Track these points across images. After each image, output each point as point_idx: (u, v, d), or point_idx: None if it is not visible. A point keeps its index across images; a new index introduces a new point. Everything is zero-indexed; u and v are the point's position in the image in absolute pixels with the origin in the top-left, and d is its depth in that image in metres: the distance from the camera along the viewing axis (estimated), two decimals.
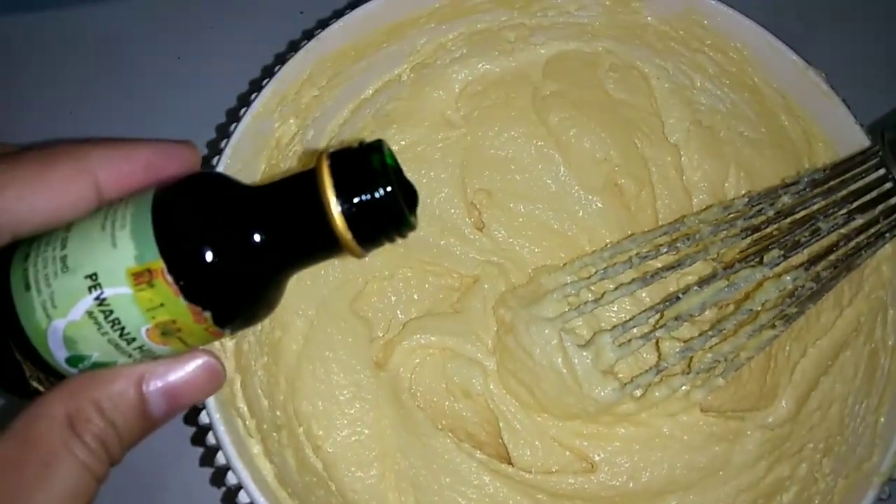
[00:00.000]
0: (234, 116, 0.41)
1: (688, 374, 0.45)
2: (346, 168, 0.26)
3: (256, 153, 0.42)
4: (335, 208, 0.25)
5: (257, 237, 0.26)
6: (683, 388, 0.45)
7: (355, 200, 0.26)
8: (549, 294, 0.48)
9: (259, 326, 0.44)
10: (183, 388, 0.28)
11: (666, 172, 0.53)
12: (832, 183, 0.42)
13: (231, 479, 0.35)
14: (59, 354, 0.27)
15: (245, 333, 0.42)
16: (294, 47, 0.43)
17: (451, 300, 0.54)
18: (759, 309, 0.42)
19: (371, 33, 0.45)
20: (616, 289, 0.45)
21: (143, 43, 0.62)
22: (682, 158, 0.52)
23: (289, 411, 0.44)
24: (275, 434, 0.41)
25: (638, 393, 0.46)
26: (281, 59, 0.43)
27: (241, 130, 0.40)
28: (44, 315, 0.26)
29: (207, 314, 0.26)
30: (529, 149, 0.55)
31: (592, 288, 0.49)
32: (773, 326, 0.43)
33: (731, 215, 0.44)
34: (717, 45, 0.46)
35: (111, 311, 0.26)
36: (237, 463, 0.34)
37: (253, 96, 0.41)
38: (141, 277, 0.25)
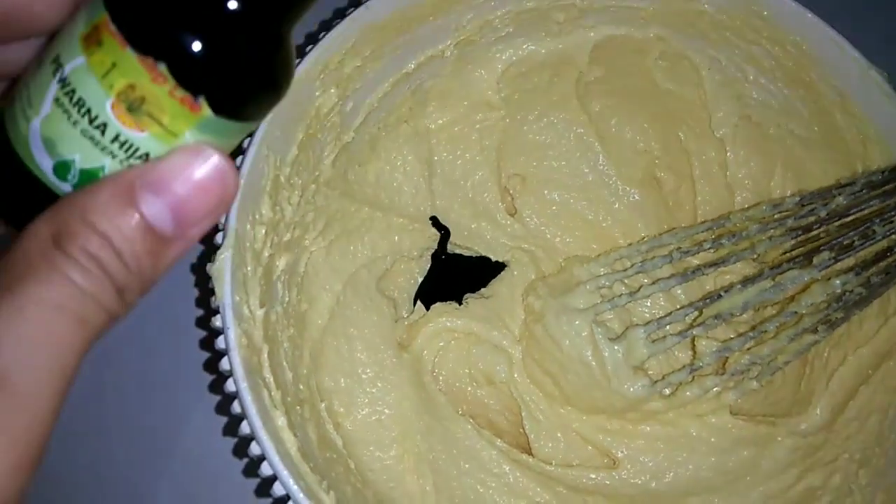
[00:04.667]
0: None
1: (721, 374, 0.44)
2: None
3: (296, 121, 0.41)
4: None
5: None
6: (715, 389, 0.44)
7: None
8: (582, 285, 0.47)
9: (287, 297, 0.43)
10: (186, 192, 0.23)
11: (709, 168, 0.51)
12: (889, 186, 0.40)
13: (255, 449, 0.34)
14: (45, 165, 0.24)
15: (273, 303, 0.41)
16: (340, 14, 0.42)
17: None
18: (804, 312, 0.41)
19: (418, 5, 0.44)
20: (653, 283, 0.44)
21: None
22: (728, 154, 0.50)
23: (311, 386, 0.44)
24: (298, 407, 0.40)
25: (668, 391, 0.45)
26: (326, 27, 0.42)
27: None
28: (24, 119, 0.24)
29: (163, 67, 0.22)
30: (569, 135, 0.53)
31: (626, 281, 0.48)
32: (816, 331, 0.42)
33: (780, 214, 0.43)
34: (775, 38, 0.45)
35: (73, 90, 0.23)
36: (262, 434, 0.34)
37: (296, 62, 0.40)
38: (90, 38, 0.23)
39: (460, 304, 0.51)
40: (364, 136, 0.48)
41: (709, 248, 0.43)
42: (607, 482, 0.47)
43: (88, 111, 0.23)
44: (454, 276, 0.53)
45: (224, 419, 0.49)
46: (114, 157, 0.24)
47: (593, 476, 0.47)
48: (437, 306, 0.51)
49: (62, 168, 0.24)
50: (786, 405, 0.47)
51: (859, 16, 0.60)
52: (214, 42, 0.22)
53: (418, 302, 0.51)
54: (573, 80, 0.52)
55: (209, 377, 0.50)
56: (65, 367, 0.22)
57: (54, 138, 0.24)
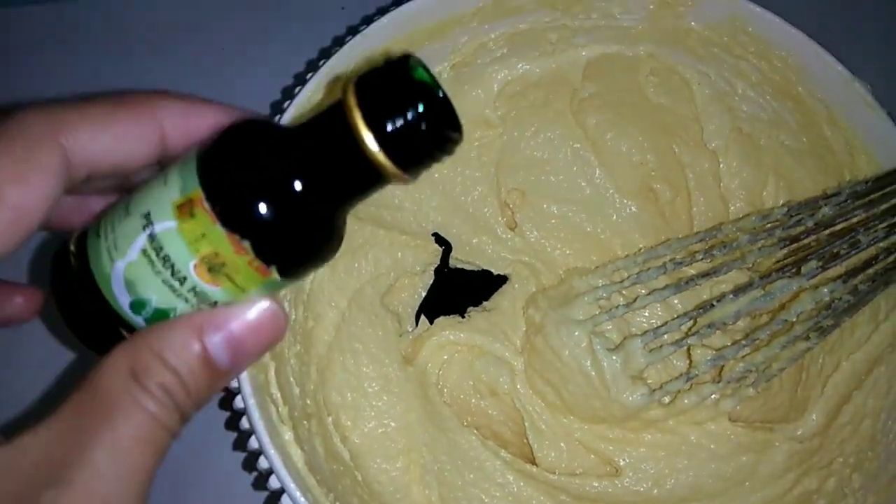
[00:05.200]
0: (277, 109, 0.42)
1: (718, 382, 0.45)
2: (374, 93, 0.25)
3: None
4: (370, 141, 0.24)
5: (292, 178, 0.26)
6: (713, 396, 0.45)
7: (388, 128, 0.24)
8: (581, 296, 0.48)
9: (293, 315, 0.45)
10: (244, 334, 0.27)
11: (703, 179, 0.52)
12: (874, 196, 0.41)
13: (263, 463, 0.36)
14: (123, 300, 0.27)
15: None
16: (339, 42, 0.43)
17: None
18: (794, 320, 0.42)
19: (415, 31, 0.46)
20: (649, 294, 0.45)
21: (186, 31, 0.63)
22: (721, 165, 0.51)
23: (318, 400, 0.45)
24: (305, 422, 0.41)
25: (666, 399, 0.46)
26: (325, 54, 0.43)
27: (286, 122, 0.41)
28: (108, 259, 0.27)
29: (246, 244, 0.26)
30: (565, 150, 0.55)
31: (624, 292, 0.49)
32: (808, 338, 0.42)
33: (770, 224, 0.44)
34: (761, 53, 0.46)
35: (161, 247, 0.26)
36: (269, 448, 0.35)
37: (297, 90, 0.42)
38: (184, 208, 0.26)
39: (463, 317, 0.52)
40: None
41: (702, 259, 0.44)
42: (610, 490, 0.47)
43: (172, 266, 0.26)
44: (456, 290, 0.54)
45: (234, 434, 0.51)
46: (186, 301, 0.27)
47: (596, 484, 0.47)
48: (441, 320, 0.52)
49: (139, 305, 0.28)
50: (783, 411, 0.48)
51: (844, 29, 0.61)
52: (288, 224, 0.26)
53: (422, 316, 0.53)
54: (568, 97, 0.53)
55: (218, 394, 0.51)
56: (141, 490, 0.26)
57: (136, 281, 0.27)
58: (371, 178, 0.26)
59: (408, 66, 0.25)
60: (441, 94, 0.26)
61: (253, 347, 0.28)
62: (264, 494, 0.49)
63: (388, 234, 0.52)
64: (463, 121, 0.52)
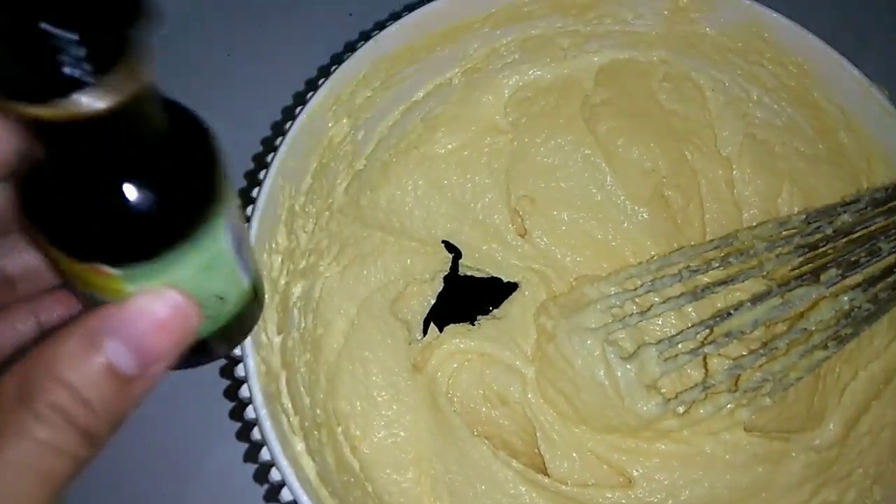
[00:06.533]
0: (289, 114, 0.41)
1: (734, 392, 0.44)
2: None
3: (309, 151, 0.43)
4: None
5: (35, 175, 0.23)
6: (728, 406, 0.44)
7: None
8: (593, 304, 0.48)
9: (303, 323, 0.44)
10: (146, 333, 0.24)
11: (716, 186, 0.52)
12: (894, 203, 0.41)
13: (275, 475, 0.35)
14: None
15: (289, 329, 0.42)
16: (350, 48, 0.43)
17: None
18: (813, 329, 0.41)
19: (426, 36, 0.45)
20: (664, 302, 0.45)
21: (194, 41, 0.63)
22: (734, 172, 0.51)
23: (328, 410, 0.44)
24: (315, 432, 0.41)
25: (681, 409, 0.45)
26: (337, 60, 0.43)
27: (297, 128, 0.40)
28: None
29: (61, 253, 0.23)
30: (576, 157, 0.54)
31: (637, 300, 0.48)
32: (826, 347, 0.42)
33: (787, 232, 0.43)
34: (777, 59, 0.46)
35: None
36: (282, 460, 0.34)
37: (309, 95, 0.41)
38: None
39: (473, 325, 0.52)
40: (375, 163, 0.49)
41: (717, 267, 0.44)
42: (623, 501, 0.47)
43: (87, 296, 0.25)
44: (466, 298, 0.53)
45: (245, 445, 0.50)
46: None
47: (609, 495, 0.47)
48: (451, 328, 0.51)
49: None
50: (799, 421, 0.47)
51: (860, 35, 0.60)
52: (64, 209, 0.23)
53: (431, 324, 0.52)
54: (579, 103, 0.53)
55: (230, 404, 0.51)
56: None
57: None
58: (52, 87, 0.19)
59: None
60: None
61: (161, 347, 0.24)
62: (264, 487, 0.48)
63: (398, 241, 0.51)
64: (473, 126, 0.52)
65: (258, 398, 0.35)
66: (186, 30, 0.63)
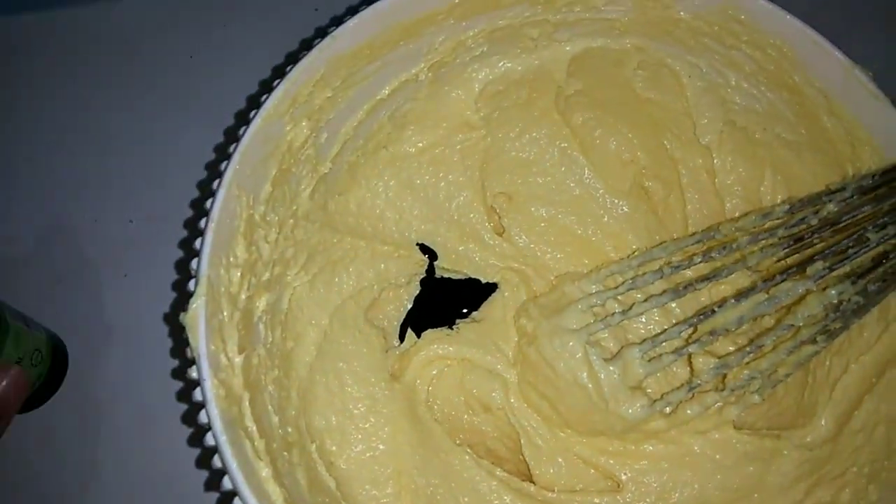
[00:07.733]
0: (243, 119, 0.39)
1: (721, 390, 0.43)
2: None
3: (267, 157, 0.41)
4: None
5: None
6: (717, 405, 0.43)
7: None
8: (574, 304, 0.46)
9: (270, 337, 0.42)
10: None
11: (696, 175, 0.50)
12: (881, 190, 0.39)
13: None
14: None
15: (254, 346, 0.40)
16: (307, 46, 0.41)
17: None
18: (801, 324, 0.40)
19: (387, 31, 0.43)
20: (645, 300, 0.43)
21: (155, 41, 0.61)
22: (715, 161, 0.49)
23: (301, 427, 0.42)
24: (285, 453, 0.39)
25: (668, 410, 0.43)
26: (293, 59, 0.41)
27: (250, 134, 0.38)
28: None
29: None
30: (552, 150, 0.52)
31: (619, 298, 0.47)
32: (815, 342, 0.40)
33: (771, 223, 0.41)
34: (754, 42, 0.44)
35: None
36: (245, 489, 0.32)
37: (263, 98, 0.39)
38: None
39: (452, 329, 0.50)
40: (342, 166, 0.47)
41: (700, 262, 0.42)
42: None
43: None
44: (444, 301, 0.52)
45: (206, 473, 0.48)
46: None
47: (597, 501, 0.45)
48: (428, 333, 0.50)
49: None
50: (790, 416, 0.46)
51: (842, 14, 0.59)
52: None
53: (408, 330, 0.50)
54: (553, 95, 0.51)
55: (188, 430, 0.49)
56: None
57: None
58: None
59: None
60: None
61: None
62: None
63: (370, 246, 0.49)
64: (444, 123, 0.50)
65: (217, 424, 0.33)
66: (143, 33, 0.61)
